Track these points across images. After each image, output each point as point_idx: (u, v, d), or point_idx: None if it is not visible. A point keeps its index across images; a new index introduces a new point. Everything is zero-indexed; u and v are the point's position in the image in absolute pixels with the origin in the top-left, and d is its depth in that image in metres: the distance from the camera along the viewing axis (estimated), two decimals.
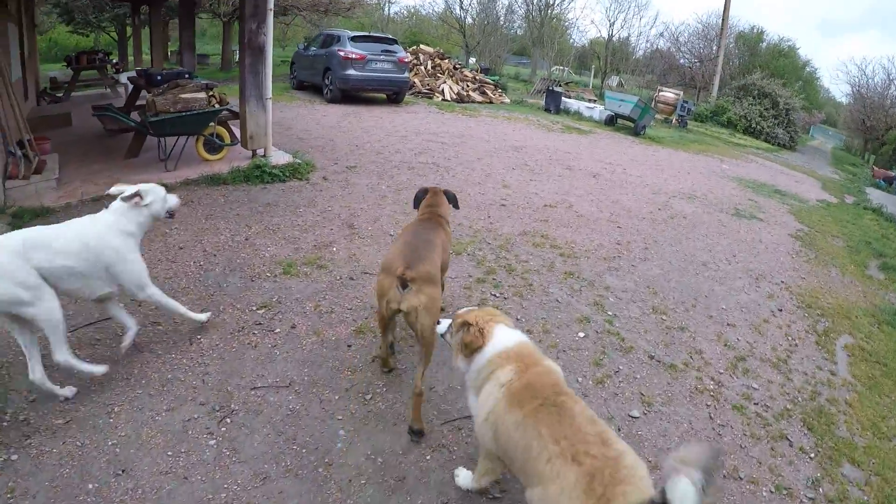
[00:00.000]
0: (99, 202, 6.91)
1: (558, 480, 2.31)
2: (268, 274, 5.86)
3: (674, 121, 28.47)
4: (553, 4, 39.82)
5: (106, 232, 3.86)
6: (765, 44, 50.09)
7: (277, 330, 4.91)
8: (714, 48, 41.55)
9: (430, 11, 45.10)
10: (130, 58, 25.89)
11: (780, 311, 6.95)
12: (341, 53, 17.24)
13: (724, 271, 7.88)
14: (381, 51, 17.93)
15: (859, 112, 42.08)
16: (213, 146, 9.25)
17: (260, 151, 9.50)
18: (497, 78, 28.63)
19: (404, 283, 3.50)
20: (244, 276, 5.75)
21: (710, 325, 6.18)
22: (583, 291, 6.37)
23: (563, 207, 9.41)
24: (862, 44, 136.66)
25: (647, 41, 50.79)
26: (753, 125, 33.43)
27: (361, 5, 32.64)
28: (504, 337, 2.94)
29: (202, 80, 10.34)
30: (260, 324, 4.96)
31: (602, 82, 45.05)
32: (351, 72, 17.22)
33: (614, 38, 49.00)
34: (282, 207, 7.77)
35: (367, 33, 19.87)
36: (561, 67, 56.79)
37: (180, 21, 14.32)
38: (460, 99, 21.90)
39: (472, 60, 38.82)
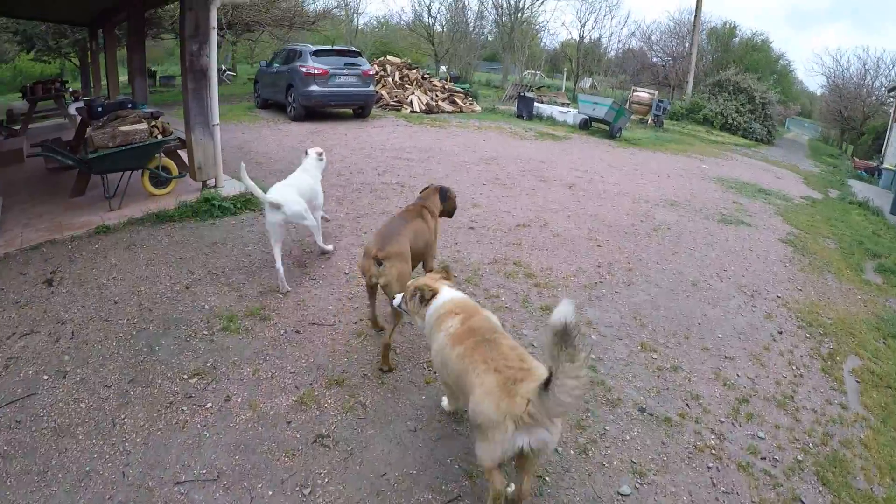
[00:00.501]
0: (37, 250, 6.60)
1: (483, 384, 2.94)
2: (205, 331, 5.15)
3: (650, 121, 27.98)
4: (522, 8, 39.18)
5: (315, 180, 6.85)
6: (738, 38, 49.98)
7: (209, 405, 4.21)
8: (687, 45, 41.27)
9: (400, 21, 44.22)
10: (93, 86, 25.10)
11: (781, 333, 6.31)
12: (303, 69, 16.56)
13: (717, 290, 7.22)
14: (345, 64, 17.24)
15: (835, 103, 41.84)
16: (160, 180, 8.56)
17: (211, 182, 8.79)
18: (468, 86, 28.02)
19: (379, 262, 4.42)
20: (179, 336, 5.05)
21: (706, 359, 5.49)
22: None
23: (538, 226, 8.72)
24: (833, 35, 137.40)
25: (618, 41, 50.25)
26: (730, 121, 32.99)
27: (328, 17, 31.86)
28: (448, 294, 3.63)
29: (147, 108, 9.65)
30: (191, 397, 4.29)
31: (574, 85, 44.47)
32: (314, 88, 16.52)
33: (585, 40, 48.58)
34: (229, 246, 7.06)
35: (329, 47, 19.16)
36: (533, 72, 56.38)
37: (128, 45, 13.49)
38: (429, 110, 21.22)
39: (443, 69, 38.16)
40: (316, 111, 17.37)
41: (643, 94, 30.85)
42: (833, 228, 11.89)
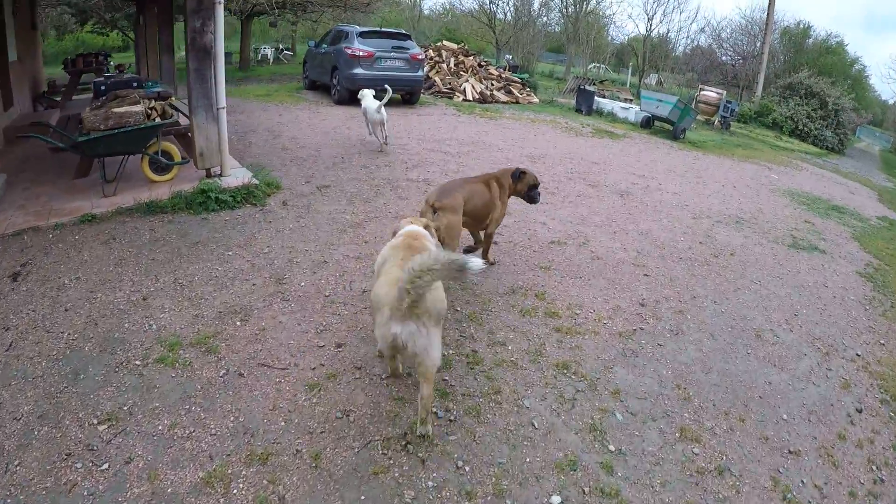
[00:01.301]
0: (19, 237, 5.86)
1: (384, 275, 3.39)
2: (139, 361, 4.09)
3: (716, 122, 25.90)
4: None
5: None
6: (811, 40, 46.51)
7: (106, 465, 3.19)
8: (758, 44, 38.40)
9: (465, 7, 42.43)
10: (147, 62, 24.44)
11: (860, 412, 4.81)
12: (348, 51, 15.31)
13: (785, 344, 5.71)
14: (392, 47, 15.92)
15: None
16: (161, 166, 7.52)
17: (216, 170, 7.63)
18: (526, 76, 26.36)
19: (434, 210, 4.89)
20: (110, 363, 4.03)
21: (763, 455, 4.05)
22: (578, 402, 4.20)
23: (576, 244, 7.26)
24: None
25: (687, 37, 47.47)
26: (800, 127, 30.48)
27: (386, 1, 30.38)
28: (406, 227, 4.02)
29: (157, 88, 8.70)
30: (92, 450, 3.28)
31: (639, 81, 42.08)
32: (358, 70, 15.25)
33: (653, 34, 46.05)
34: (210, 248, 5.96)
35: (377, 28, 17.77)
36: (598, 65, 54.12)
37: (159, 22, 12.43)
38: (483, 99, 19.72)
39: (508, 57, 36.46)
40: None
41: (711, 93, 28.64)
42: None
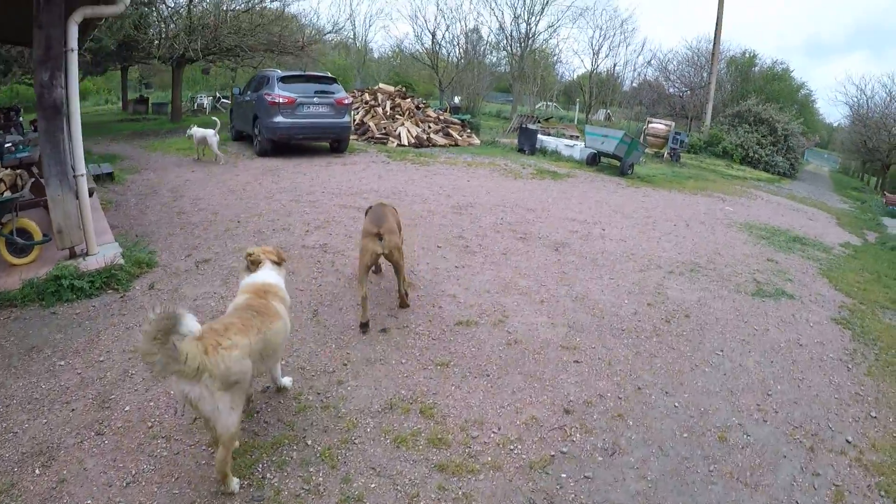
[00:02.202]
0: None
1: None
2: None
3: (666, 155, 24.99)
4: (534, 35, 36.39)
5: None
6: (757, 68, 46.53)
7: None
8: (705, 75, 38.03)
9: (414, 49, 41.27)
10: None
11: None
12: (268, 98, 13.96)
13: (758, 444, 4.35)
14: (315, 92, 14.57)
15: (859, 133, 38.03)
16: (18, 247, 6.12)
17: (81, 247, 6.34)
18: (468, 117, 25.24)
19: (380, 237, 5.19)
20: None
21: None
22: None
23: (490, 324, 5.78)
24: (850, 65, 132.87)
25: (634, 70, 46.97)
26: (751, 154, 29.91)
27: (318, 42, 29.03)
28: (263, 276, 3.75)
29: (20, 154, 7.66)
30: None
31: (587, 117, 41.21)
32: (279, 119, 13.87)
33: (599, 69, 45.62)
34: (44, 356, 4.58)
35: (300, 72, 16.42)
36: (546, 103, 53.59)
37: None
38: (419, 143, 18.47)
39: (457, 99, 35.49)
40: (287, 145, 14.64)
41: (659, 125, 27.83)
42: (888, 292, 9.04)
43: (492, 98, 51.72)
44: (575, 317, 6.10)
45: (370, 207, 5.92)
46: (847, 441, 4.56)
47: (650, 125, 28.20)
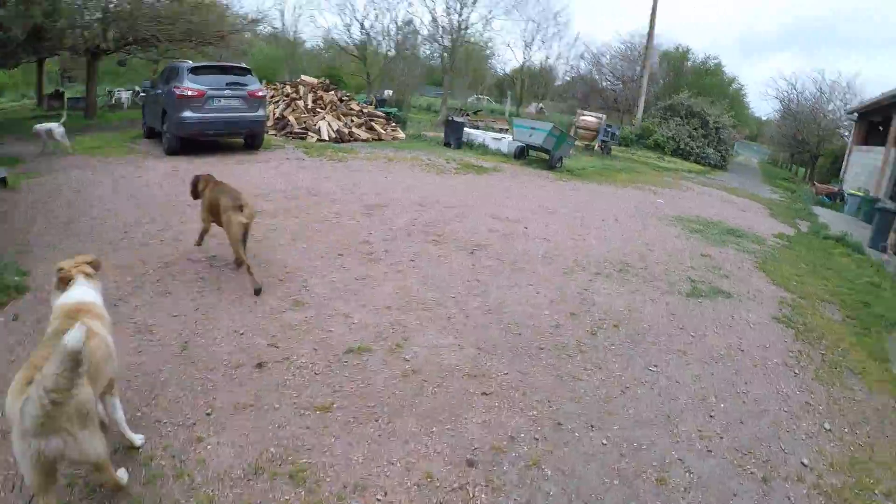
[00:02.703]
0: None
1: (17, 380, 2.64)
2: None
3: (596, 147, 24.67)
4: (465, 28, 35.64)
5: None
6: (690, 62, 47.04)
7: None
8: (638, 69, 38.11)
9: (347, 40, 39.74)
10: None
11: None
12: (176, 91, 12.69)
13: (704, 483, 3.73)
14: (227, 84, 13.38)
15: (789, 126, 38.94)
16: None
17: None
18: (395, 110, 24.37)
19: (241, 209, 5.56)
20: None
21: None
22: None
23: (386, 350, 4.89)
24: (781, 62, 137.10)
25: (567, 64, 46.81)
26: (682, 146, 30.10)
27: (241, 32, 27.44)
28: (78, 294, 3.26)
29: None
30: None
31: (518, 110, 40.66)
32: (187, 114, 12.64)
33: (533, 62, 45.27)
34: None
35: (211, 63, 15.19)
36: (478, 96, 53.09)
37: None
38: (341, 138, 17.49)
39: (388, 93, 34.44)
40: (198, 141, 13.46)
41: (590, 118, 27.56)
42: (825, 283, 8.79)
43: (425, 91, 50.78)
44: (486, 335, 5.31)
45: (201, 180, 6.32)
46: (803, 464, 4.01)
47: (581, 118, 27.93)
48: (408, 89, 36.36)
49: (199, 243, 6.45)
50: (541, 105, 48.21)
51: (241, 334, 4.84)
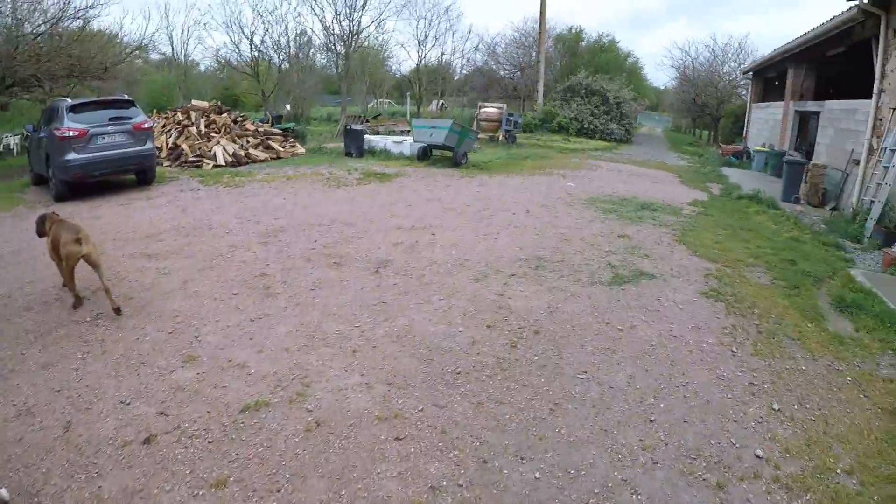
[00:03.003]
0: None
1: None
2: None
3: (500, 138, 24.42)
4: (358, 32, 34.78)
5: None
6: (584, 42, 47.63)
7: None
8: (534, 54, 38.17)
9: (233, 56, 38.15)
10: None
11: None
12: (57, 133, 11.59)
13: (654, 501, 3.17)
14: (110, 119, 12.32)
15: (688, 93, 39.78)
16: None
17: None
18: (291, 125, 23.56)
19: (79, 241, 5.74)
20: None
21: None
22: None
23: (287, 399, 4.27)
24: (674, 31, 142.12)
25: (463, 58, 46.52)
26: (586, 125, 30.39)
27: (127, 63, 25.86)
28: None
29: None
30: None
31: (418, 109, 40.14)
32: (71, 156, 11.51)
33: (429, 59, 44.84)
34: None
35: (90, 99, 14.03)
36: (379, 100, 52.43)
37: None
38: (237, 161, 16.58)
39: (288, 107, 33.44)
40: (87, 184, 12.32)
41: (491, 109, 27.32)
42: (747, 246, 8.68)
43: (325, 101, 49.70)
44: (397, 367, 4.72)
45: (46, 219, 6.37)
46: (757, 456, 3.68)
47: (482, 110, 27.65)
48: (306, 102, 35.36)
49: (72, 291, 6.18)
50: (442, 102, 47.90)
51: (128, 404, 4.13)
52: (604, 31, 68.04)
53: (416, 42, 46.69)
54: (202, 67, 46.72)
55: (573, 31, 46.94)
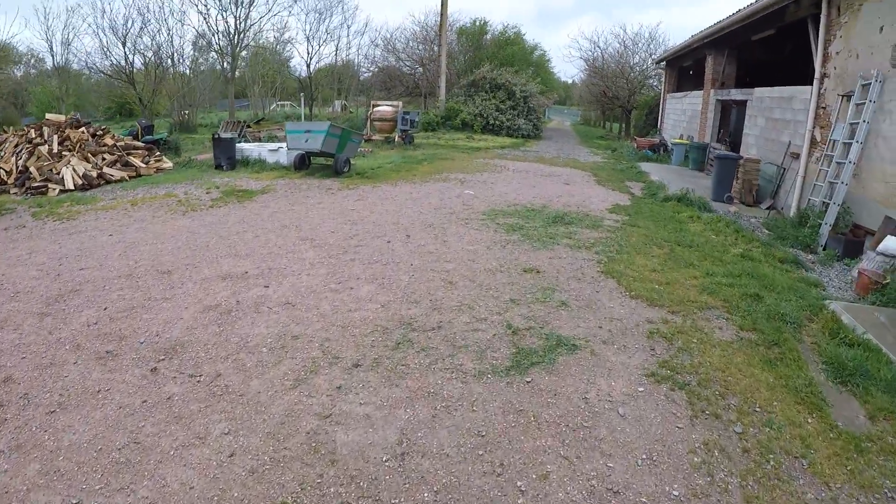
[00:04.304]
0: None
1: None
2: None
3: (397, 139, 21.84)
4: (244, 30, 31.48)
5: None
6: (489, 35, 44.94)
7: None
8: (436, 49, 35.49)
9: (103, 63, 33.96)
10: None
11: None
12: None
13: None
14: None
15: (597, 85, 37.54)
16: None
17: None
18: (163, 135, 20.38)
19: None
20: None
21: None
22: None
23: None
24: (583, 27, 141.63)
25: (359, 54, 43.41)
26: (492, 121, 28.04)
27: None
28: None
29: None
30: None
31: (310, 111, 36.39)
32: None
33: (322, 55, 41.59)
34: None
35: None
36: (281, 103, 48.89)
37: None
38: (88, 184, 13.43)
39: (184, 113, 29.86)
40: None
41: (385, 107, 24.67)
42: (694, 274, 6.58)
43: (224, 106, 45.67)
44: None
45: None
46: None
47: (375, 109, 24.93)
48: (193, 108, 31.65)
49: None
50: (343, 102, 44.85)
51: None
52: (509, 23, 65.62)
53: (305, 38, 43.25)
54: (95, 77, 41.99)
55: (477, 23, 44.22)
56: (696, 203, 10.82)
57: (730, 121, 16.38)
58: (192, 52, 35.37)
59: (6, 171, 13.70)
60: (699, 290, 5.98)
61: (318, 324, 5.05)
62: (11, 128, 17.94)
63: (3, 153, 14.82)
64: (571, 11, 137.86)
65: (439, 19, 32.04)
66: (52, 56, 35.27)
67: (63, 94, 35.97)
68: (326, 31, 51.57)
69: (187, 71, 34.44)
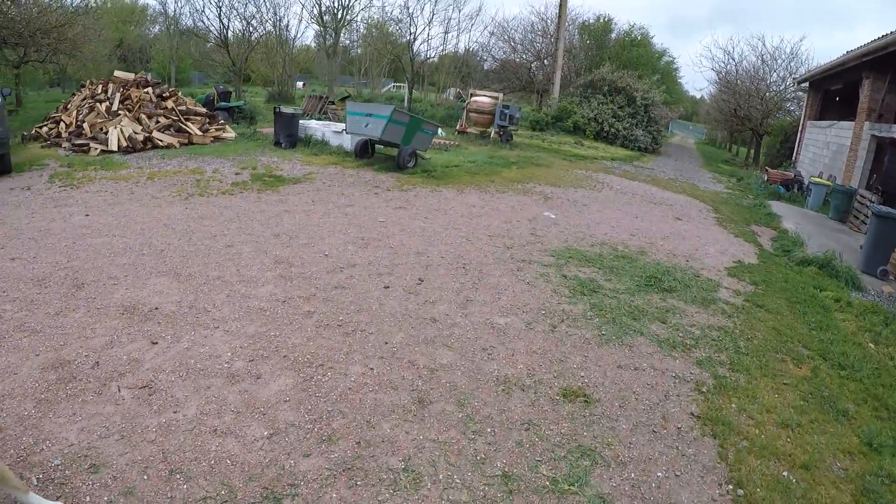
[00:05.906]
0: None
1: None
2: None
3: (493, 135, 19.15)
4: (349, 6, 29.65)
5: None
6: (614, 34, 41.20)
7: None
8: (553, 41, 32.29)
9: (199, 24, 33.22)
10: None
11: None
12: None
13: None
14: None
15: (728, 102, 32.79)
16: None
17: None
18: (239, 103, 18.75)
19: None
20: None
21: None
22: None
23: None
24: (718, 39, 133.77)
25: (469, 38, 40.62)
26: (606, 128, 24.88)
27: (69, 26, 21.22)
28: None
29: None
30: None
31: (410, 95, 33.46)
32: None
33: (421, 33, 39.06)
34: None
35: None
36: (399, 84, 47.22)
37: None
38: (132, 146, 12.01)
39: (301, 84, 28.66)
40: None
41: (483, 98, 21.91)
42: (849, 444, 3.72)
43: (343, 81, 44.31)
44: None
45: None
46: None
47: (473, 99, 22.20)
48: (289, 79, 30.17)
49: None
50: (459, 91, 42.26)
51: None
52: (636, 23, 60.61)
53: (408, 15, 40.76)
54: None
55: (601, 19, 40.51)
56: (842, 275, 7.78)
57: (884, 163, 12.73)
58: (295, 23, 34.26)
59: (66, 124, 13.28)
60: (857, 493, 3.12)
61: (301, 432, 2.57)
62: (89, 81, 16.89)
63: (70, 105, 14.30)
64: (705, 23, 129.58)
65: (558, 10, 28.94)
66: (166, 15, 35.01)
67: (173, 56, 35.55)
68: (433, 10, 48.71)
69: (291, 41, 33.14)
